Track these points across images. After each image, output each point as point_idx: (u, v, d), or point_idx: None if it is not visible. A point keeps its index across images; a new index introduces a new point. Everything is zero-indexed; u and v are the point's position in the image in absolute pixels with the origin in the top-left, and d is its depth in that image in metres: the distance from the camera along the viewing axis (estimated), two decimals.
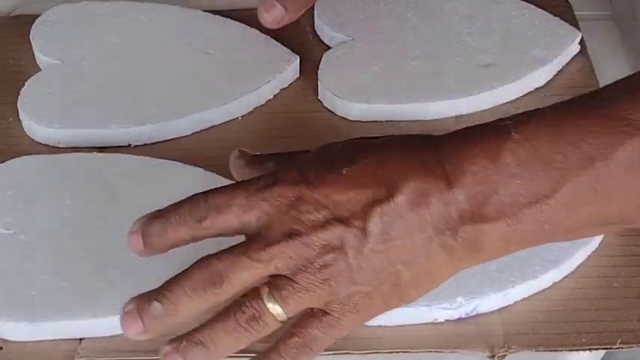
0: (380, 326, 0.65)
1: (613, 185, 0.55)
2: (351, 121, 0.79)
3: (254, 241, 0.57)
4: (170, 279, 0.58)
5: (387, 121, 0.79)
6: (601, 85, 0.80)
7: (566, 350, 0.64)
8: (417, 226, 0.56)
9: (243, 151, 0.66)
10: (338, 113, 0.79)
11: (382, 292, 0.58)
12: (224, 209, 0.58)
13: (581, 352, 0.64)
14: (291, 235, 0.56)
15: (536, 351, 0.64)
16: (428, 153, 0.57)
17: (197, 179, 0.73)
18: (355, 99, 0.79)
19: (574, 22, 0.86)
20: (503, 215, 0.56)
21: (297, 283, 0.57)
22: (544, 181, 0.56)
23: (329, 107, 0.80)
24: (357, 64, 0.82)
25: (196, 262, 0.58)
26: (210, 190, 0.59)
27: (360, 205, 0.56)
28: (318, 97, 0.81)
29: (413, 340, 0.65)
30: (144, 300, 0.58)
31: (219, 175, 0.73)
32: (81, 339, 0.65)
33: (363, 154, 0.58)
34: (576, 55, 0.84)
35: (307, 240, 0.56)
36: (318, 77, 0.81)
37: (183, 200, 0.59)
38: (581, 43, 0.84)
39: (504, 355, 0.64)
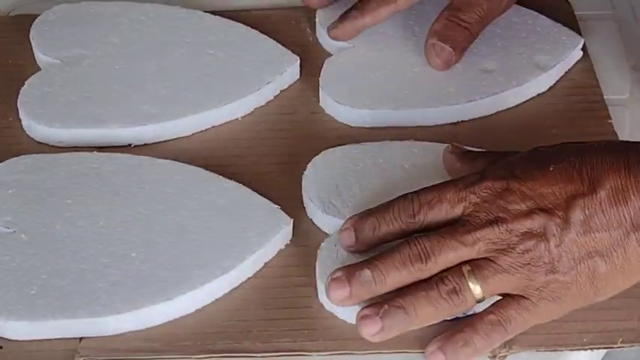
0: None
1: None
2: (353, 127, 0.79)
3: (461, 225, 0.62)
4: (381, 253, 0.63)
5: (388, 127, 0.78)
6: (601, 86, 0.81)
7: (567, 350, 0.64)
8: (616, 221, 0.60)
9: (455, 146, 0.71)
10: (339, 120, 0.79)
11: (579, 284, 0.61)
12: (435, 205, 0.63)
13: (582, 352, 0.64)
14: (496, 221, 0.61)
15: (537, 351, 0.64)
16: (631, 155, 0.61)
17: (197, 179, 0.73)
18: (357, 105, 0.79)
19: (574, 23, 0.86)
20: None
21: (498, 264, 0.61)
22: None
23: (330, 114, 0.80)
24: (358, 71, 0.81)
25: (405, 240, 0.63)
26: (421, 188, 0.64)
27: (564, 198, 0.61)
28: (320, 104, 0.80)
29: (414, 340, 0.65)
30: (354, 268, 0.63)
31: (220, 175, 0.73)
32: (81, 338, 0.65)
33: (570, 153, 0.63)
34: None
35: (511, 226, 0.61)
36: (320, 84, 0.80)
37: (395, 199, 0.65)
38: (582, 46, 0.84)
39: (505, 355, 0.64)
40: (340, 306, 0.64)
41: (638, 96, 0.82)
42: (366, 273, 0.62)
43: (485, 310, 0.63)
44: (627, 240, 0.61)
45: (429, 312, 0.62)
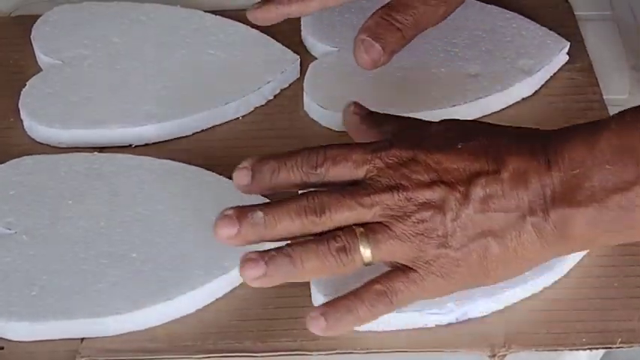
0: (371, 331, 0.65)
1: None
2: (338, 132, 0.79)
3: (361, 187, 0.61)
4: (277, 200, 0.62)
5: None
6: (600, 86, 0.81)
7: (566, 350, 0.64)
8: (514, 203, 0.60)
9: (359, 105, 0.70)
10: (323, 124, 0.79)
11: (469, 263, 0.61)
12: (340, 161, 0.62)
13: (581, 352, 0.64)
14: (397, 188, 0.61)
15: (537, 350, 0.64)
16: (536, 141, 0.62)
17: (197, 179, 0.73)
18: (341, 110, 0.78)
19: (574, 23, 0.86)
20: (593, 200, 0.60)
21: (392, 230, 0.60)
22: (631, 169, 0.59)
23: (315, 118, 0.80)
24: (343, 75, 0.81)
25: (305, 192, 0.62)
26: (330, 144, 0.63)
27: (467, 175, 0.61)
28: (304, 108, 0.80)
29: (413, 340, 0.65)
30: (247, 209, 0.62)
31: (220, 175, 0.73)
32: (82, 339, 0.65)
33: (480, 133, 0.63)
34: (576, 55, 0.84)
35: (410, 195, 0.61)
36: (304, 88, 0.80)
37: (301, 149, 0.63)
38: (581, 43, 0.84)
39: (505, 355, 0.64)
40: (227, 244, 0.62)
41: (638, 96, 0.82)
42: (258, 214, 0.61)
43: (372, 280, 0.62)
44: (523, 223, 0.60)
45: (315, 266, 0.61)
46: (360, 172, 0.62)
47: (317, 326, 0.62)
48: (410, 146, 0.62)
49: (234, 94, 0.80)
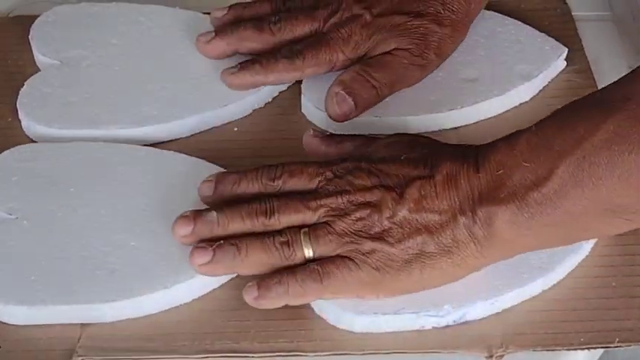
0: (368, 332, 0.65)
1: (598, 164, 0.60)
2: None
3: (310, 194, 0.66)
4: (232, 201, 0.67)
5: (370, 135, 0.78)
6: (598, 86, 0.81)
7: (564, 350, 0.64)
8: (446, 204, 0.64)
9: (316, 131, 0.74)
10: (321, 126, 0.79)
11: (404, 259, 0.64)
12: (295, 174, 0.67)
13: (579, 352, 0.64)
14: (341, 192, 0.65)
15: (534, 351, 0.64)
16: (470, 150, 0.65)
17: (200, 171, 0.73)
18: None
19: (572, 24, 0.86)
20: (513, 198, 0.62)
21: (332, 227, 0.65)
22: (545, 165, 0.61)
23: (312, 120, 0.80)
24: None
25: (257, 196, 0.67)
26: (289, 161, 0.68)
27: (405, 180, 0.65)
28: (301, 111, 0.80)
29: (410, 341, 0.65)
30: (204, 210, 0.67)
31: None
32: (79, 337, 0.65)
33: (423, 145, 0.68)
34: (574, 58, 0.83)
35: (352, 197, 0.65)
36: (301, 90, 0.80)
37: (263, 165, 0.68)
38: (579, 46, 0.84)
39: (502, 355, 0.64)
40: (182, 242, 0.67)
41: None
42: (212, 214, 0.66)
43: (309, 262, 0.65)
44: (455, 223, 0.63)
45: (258, 257, 0.65)
46: (312, 184, 0.66)
47: (250, 295, 0.65)
48: (358, 158, 0.67)
49: (233, 96, 0.80)
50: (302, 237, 0.65)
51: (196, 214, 0.67)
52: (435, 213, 0.64)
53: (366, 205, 0.65)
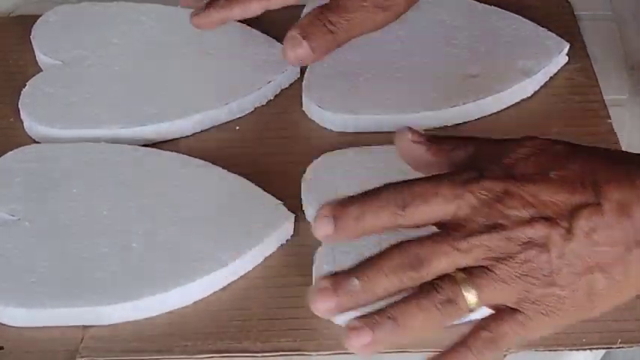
0: None
1: None
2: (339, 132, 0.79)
3: (455, 230, 0.57)
4: (368, 258, 0.58)
5: (372, 132, 0.78)
6: (600, 86, 0.81)
7: (566, 350, 0.64)
8: (620, 235, 0.57)
9: (416, 132, 0.63)
10: (322, 124, 0.79)
11: (574, 299, 0.58)
12: (430, 198, 0.58)
13: (581, 352, 0.64)
14: (495, 227, 0.57)
15: (536, 350, 0.64)
16: (632, 165, 0.59)
17: (201, 173, 0.73)
18: (341, 110, 0.79)
19: (574, 23, 0.86)
20: None
21: (495, 273, 0.57)
22: None
23: (314, 118, 0.79)
24: (342, 75, 0.81)
25: (395, 245, 0.58)
26: (412, 179, 0.59)
27: (567, 208, 0.57)
28: (302, 109, 0.80)
29: (412, 340, 0.65)
30: (341, 277, 0.58)
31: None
32: (82, 338, 0.65)
33: (569, 157, 0.59)
34: (576, 55, 0.84)
35: (511, 234, 0.57)
36: (303, 88, 0.80)
37: (382, 187, 0.59)
38: (581, 43, 0.84)
39: (504, 355, 0.64)
40: (324, 317, 0.59)
41: (637, 96, 0.82)
42: (354, 282, 0.57)
43: (478, 325, 0.58)
44: (629, 256, 0.57)
45: (420, 323, 0.57)
46: (450, 208, 0.58)
47: None
48: (501, 177, 0.58)
49: (235, 94, 0.80)
50: (462, 288, 0.57)
51: (336, 284, 0.57)
52: (607, 246, 0.57)
53: (531, 244, 0.57)
